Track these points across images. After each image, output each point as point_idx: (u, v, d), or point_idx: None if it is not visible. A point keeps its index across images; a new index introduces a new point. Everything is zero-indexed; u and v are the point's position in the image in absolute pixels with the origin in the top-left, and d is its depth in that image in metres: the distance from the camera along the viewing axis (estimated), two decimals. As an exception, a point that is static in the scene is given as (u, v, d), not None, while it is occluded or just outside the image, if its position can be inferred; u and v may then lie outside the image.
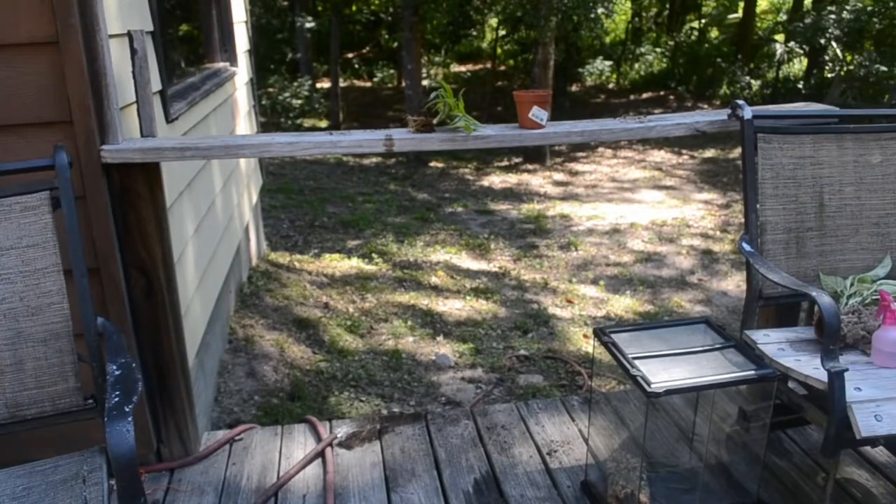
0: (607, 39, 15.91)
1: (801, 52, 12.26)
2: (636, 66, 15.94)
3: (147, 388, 2.25)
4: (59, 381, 1.66)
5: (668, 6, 17.08)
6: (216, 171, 3.89)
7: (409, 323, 4.22)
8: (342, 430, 2.56)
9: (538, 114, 2.19)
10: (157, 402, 2.29)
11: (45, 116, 1.93)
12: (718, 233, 6.13)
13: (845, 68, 11.06)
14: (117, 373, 1.43)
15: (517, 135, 2.22)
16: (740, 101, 2.18)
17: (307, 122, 12.57)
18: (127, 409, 1.26)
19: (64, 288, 1.67)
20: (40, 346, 1.66)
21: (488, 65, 15.98)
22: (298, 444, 2.47)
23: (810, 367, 1.81)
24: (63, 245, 1.67)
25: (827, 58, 11.76)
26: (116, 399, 1.30)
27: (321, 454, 2.40)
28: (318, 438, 2.49)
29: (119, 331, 1.70)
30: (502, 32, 15.28)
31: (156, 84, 2.62)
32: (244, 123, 4.87)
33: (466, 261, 5.44)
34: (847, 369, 1.67)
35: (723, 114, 2.27)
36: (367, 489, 2.23)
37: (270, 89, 12.72)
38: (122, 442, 1.20)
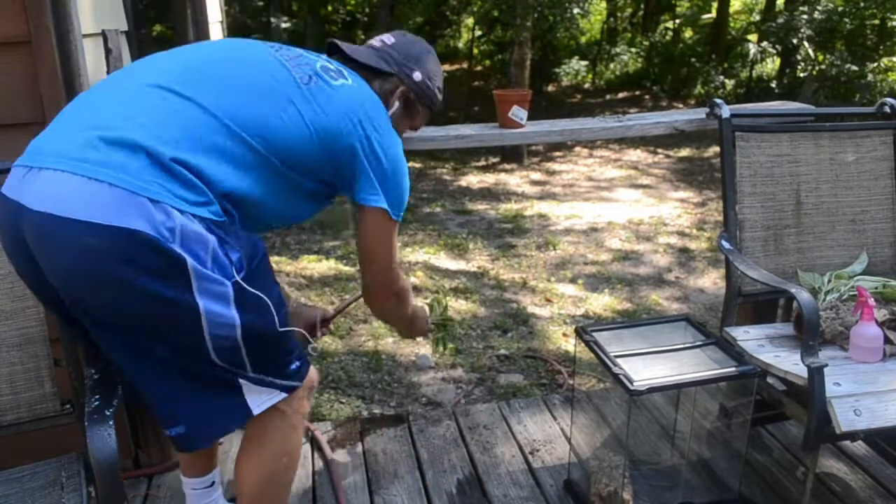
0: (583, 39, 15.99)
1: (774, 51, 12.40)
2: (611, 65, 16.03)
3: (125, 392, 2.21)
4: (35, 386, 1.64)
5: (642, 6, 17.20)
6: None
7: (389, 324, 4.19)
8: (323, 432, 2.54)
9: (518, 113, 2.19)
10: (134, 406, 2.25)
11: (17, 117, 1.89)
12: (695, 231, 6.18)
13: (817, 68, 11.22)
14: (96, 377, 1.41)
15: (498, 134, 2.23)
16: (718, 100, 2.19)
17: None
18: (108, 413, 1.24)
19: (39, 291, 1.64)
20: (15, 350, 1.63)
21: (465, 65, 15.98)
22: (279, 446, 2.45)
23: (790, 363, 1.83)
24: (38, 248, 1.64)
25: (799, 57, 11.91)
26: (96, 403, 1.28)
27: (303, 457, 2.38)
28: (300, 441, 2.47)
29: (96, 334, 1.67)
30: (478, 32, 15.30)
31: (131, 84, 2.58)
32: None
33: (445, 261, 5.43)
34: (826, 365, 1.69)
35: (701, 112, 2.29)
36: (350, 491, 2.22)
37: (246, 89, 12.59)
38: (103, 447, 1.18)
